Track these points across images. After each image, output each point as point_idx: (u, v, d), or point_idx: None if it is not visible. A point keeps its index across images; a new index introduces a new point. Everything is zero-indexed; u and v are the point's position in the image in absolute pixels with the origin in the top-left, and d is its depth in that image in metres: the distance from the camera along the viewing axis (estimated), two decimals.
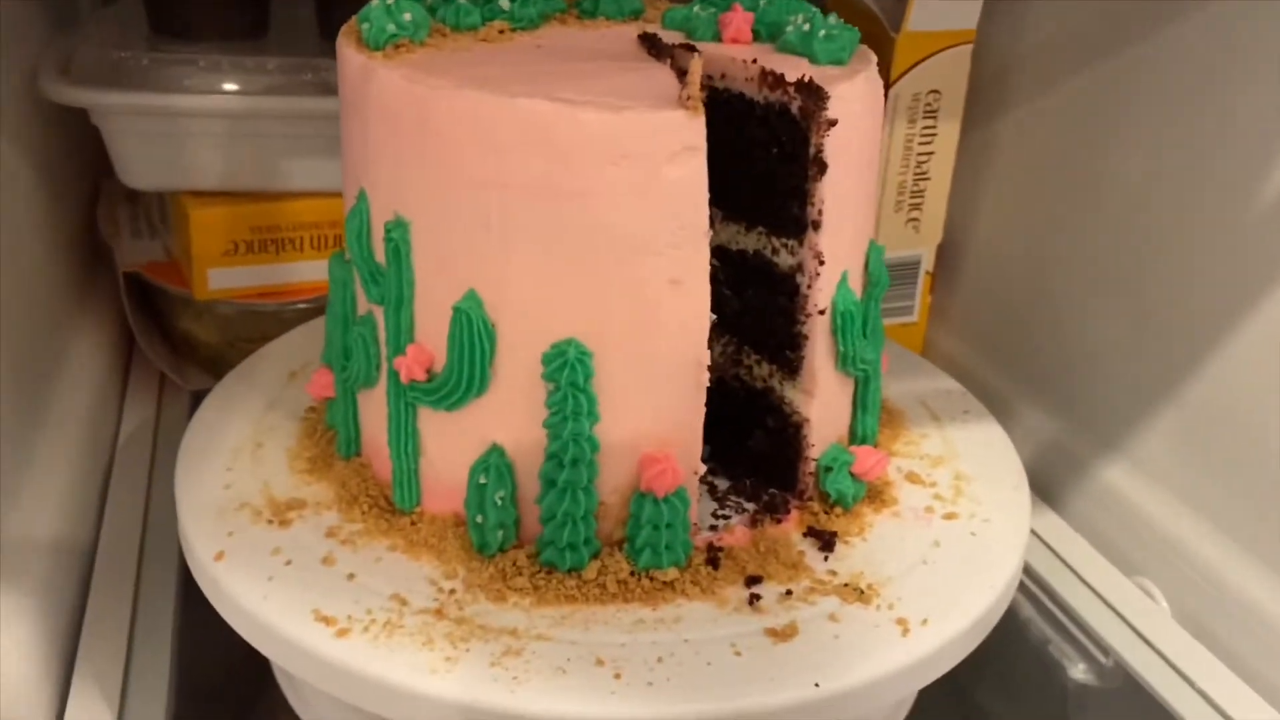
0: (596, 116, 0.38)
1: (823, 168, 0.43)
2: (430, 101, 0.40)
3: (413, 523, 0.46)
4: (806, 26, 0.45)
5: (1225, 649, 0.56)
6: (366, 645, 0.40)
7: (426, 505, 0.46)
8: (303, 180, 0.67)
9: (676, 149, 0.39)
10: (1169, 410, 0.62)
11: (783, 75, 0.43)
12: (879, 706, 0.45)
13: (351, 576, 0.43)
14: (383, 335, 0.45)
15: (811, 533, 0.47)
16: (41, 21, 0.72)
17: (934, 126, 0.70)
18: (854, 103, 0.43)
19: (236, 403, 0.54)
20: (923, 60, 0.68)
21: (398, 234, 0.42)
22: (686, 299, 0.41)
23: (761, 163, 0.45)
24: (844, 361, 0.47)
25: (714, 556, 0.45)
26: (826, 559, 0.46)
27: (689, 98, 0.38)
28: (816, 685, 0.39)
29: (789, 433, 0.48)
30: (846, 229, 0.45)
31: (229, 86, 0.64)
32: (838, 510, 0.48)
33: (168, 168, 0.65)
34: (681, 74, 0.42)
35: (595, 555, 0.43)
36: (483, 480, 0.43)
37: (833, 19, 0.46)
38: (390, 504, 0.46)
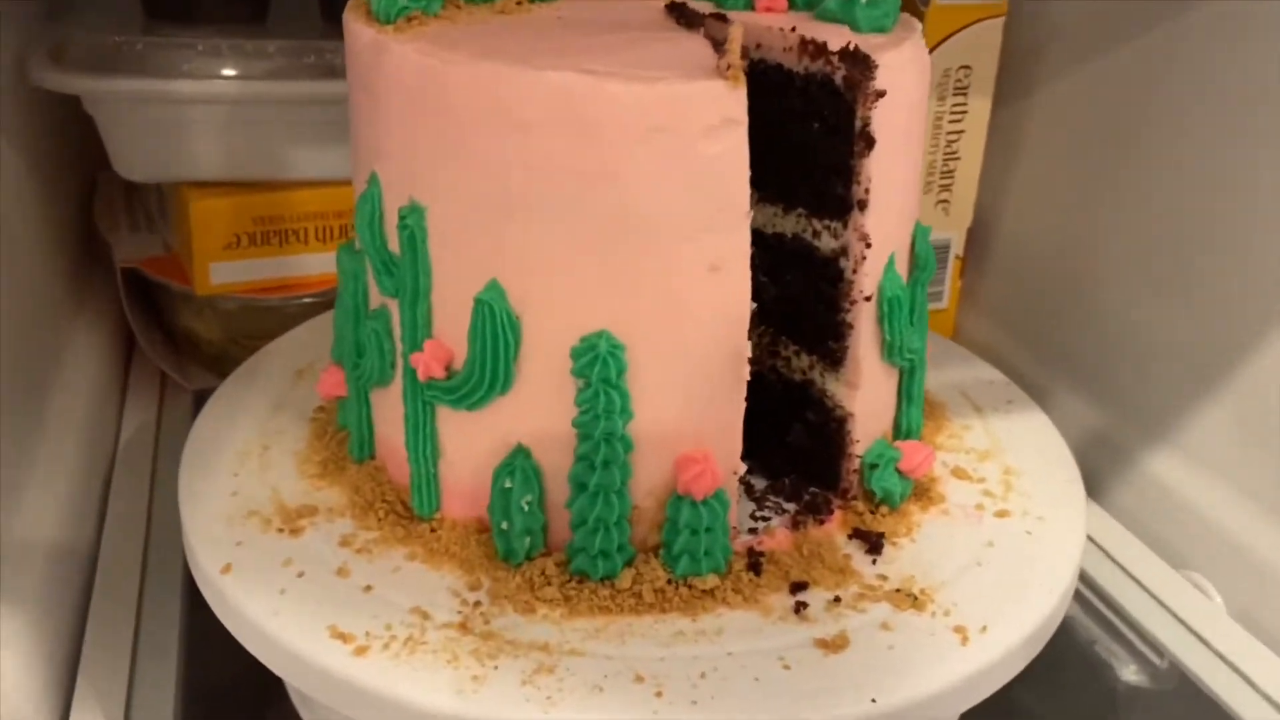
0: (627, 88, 0.35)
1: (870, 142, 0.40)
2: (447, 76, 0.37)
3: (432, 530, 0.43)
4: None
5: None
6: (387, 663, 0.37)
7: (446, 511, 0.43)
8: (307, 168, 0.64)
9: (715, 122, 0.36)
10: (1222, 396, 0.59)
11: (825, 44, 0.40)
12: None
13: (368, 589, 0.40)
14: (398, 330, 0.42)
15: (857, 534, 0.44)
16: (28, 7, 0.69)
17: (964, 104, 0.67)
18: (902, 72, 0.40)
19: (241, 404, 0.51)
20: (953, 34, 0.65)
21: (413, 220, 0.39)
22: (726, 286, 0.38)
23: (801, 139, 0.42)
24: (890, 351, 0.44)
25: (755, 562, 0.42)
26: (874, 562, 0.43)
27: (729, 66, 0.35)
28: (874, 701, 0.36)
29: (831, 428, 0.45)
30: (894, 209, 0.42)
31: (229, 71, 0.61)
32: (884, 509, 0.45)
33: (166, 158, 0.62)
34: (716, 44, 0.39)
35: (629, 562, 0.41)
36: (508, 484, 0.40)
37: None
38: (408, 510, 0.44)
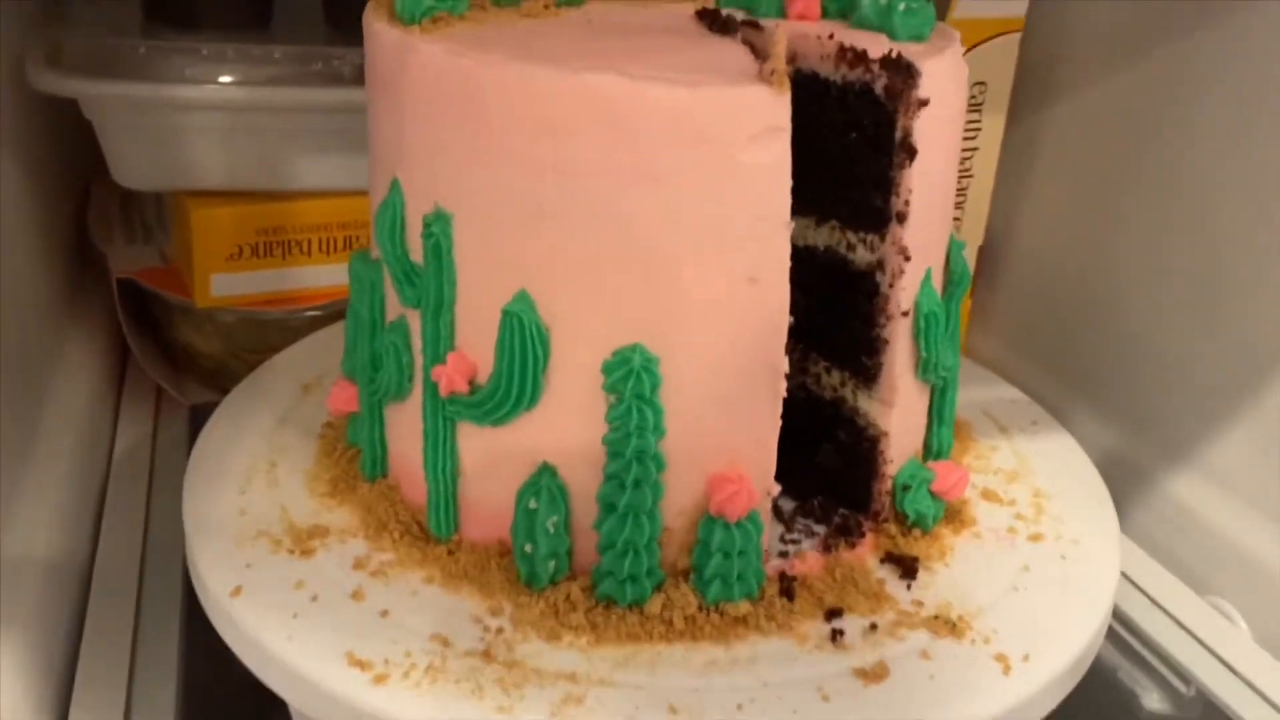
0: (669, 92, 0.34)
1: (911, 153, 0.39)
2: (479, 77, 0.35)
3: (450, 552, 0.41)
4: (884, 0, 0.41)
5: None
6: (408, 693, 0.35)
7: (465, 532, 0.41)
8: (312, 179, 0.62)
9: (757, 130, 0.35)
10: (1243, 417, 0.58)
11: (865, 51, 0.39)
12: None
13: (385, 613, 0.39)
14: (417, 342, 0.40)
15: (890, 558, 0.43)
16: (24, 8, 0.67)
17: (978, 120, 0.66)
18: (944, 81, 0.39)
19: (246, 419, 0.50)
20: (969, 50, 0.64)
21: (438, 228, 0.38)
22: (764, 298, 0.37)
23: (837, 149, 0.41)
24: (925, 368, 0.42)
25: (788, 587, 0.40)
26: (909, 587, 0.41)
27: (773, 72, 0.34)
28: None
29: (864, 447, 0.44)
30: (932, 222, 0.41)
31: (233, 76, 0.59)
32: (915, 532, 0.44)
33: (166, 165, 0.60)
34: (754, 49, 0.37)
35: (658, 587, 0.39)
36: (532, 504, 0.39)
37: None
38: (424, 531, 0.42)
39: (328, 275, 0.64)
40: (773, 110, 0.35)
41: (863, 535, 0.43)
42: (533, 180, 0.36)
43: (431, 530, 0.42)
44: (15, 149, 0.60)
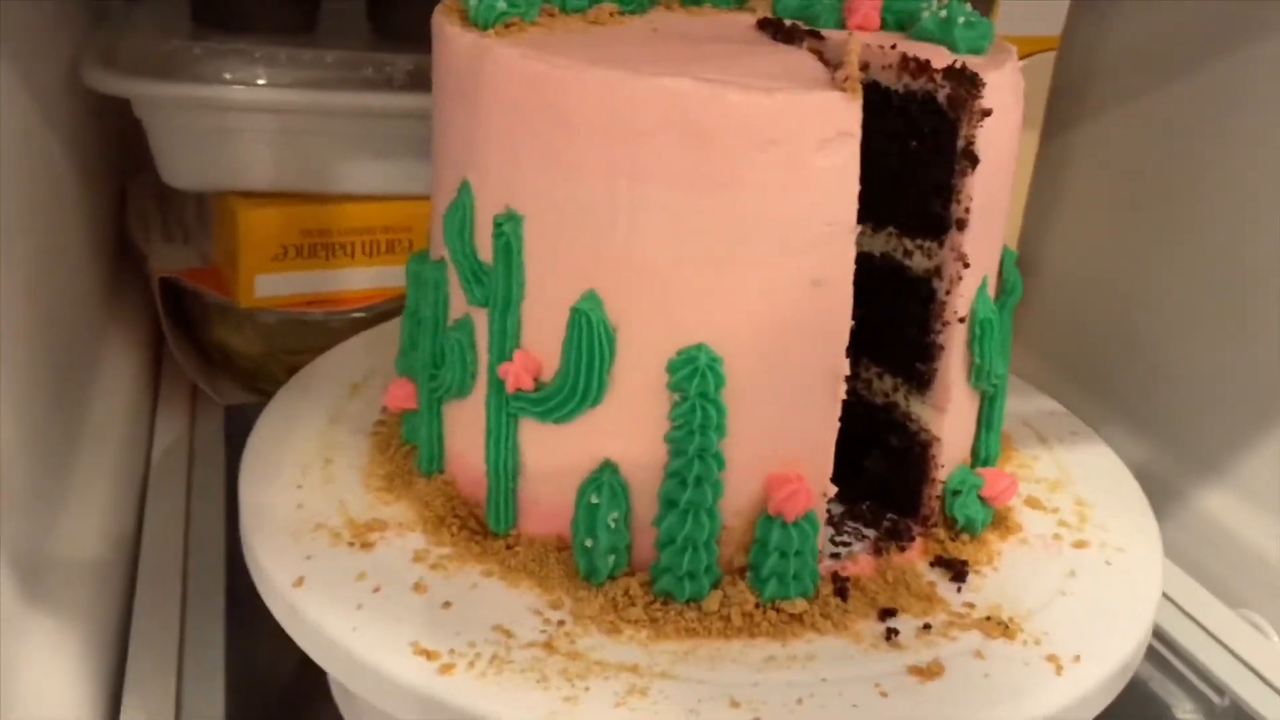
0: (746, 98, 0.35)
1: (974, 161, 0.39)
2: (556, 81, 0.36)
3: (508, 546, 0.42)
4: (944, 13, 0.42)
5: None
6: (474, 683, 0.36)
7: (523, 527, 0.42)
8: (357, 182, 0.63)
9: (829, 135, 0.35)
10: (1276, 433, 0.58)
11: (928, 61, 0.40)
12: None
13: (447, 605, 0.39)
14: (482, 341, 0.41)
15: (940, 561, 0.43)
16: (74, 14, 0.68)
17: None
18: (1004, 93, 0.40)
19: (296, 418, 0.50)
20: None
21: (509, 228, 0.38)
22: (828, 302, 0.38)
23: (897, 157, 0.42)
24: (978, 375, 0.43)
25: (841, 587, 0.41)
26: (959, 590, 0.42)
27: (846, 78, 0.35)
28: None
29: (915, 452, 0.44)
30: (990, 230, 0.41)
31: (284, 79, 0.60)
32: (964, 537, 0.44)
33: (215, 166, 0.61)
34: (822, 57, 0.38)
35: (716, 584, 0.40)
36: (594, 500, 0.39)
37: (967, 6, 0.43)
38: (481, 525, 0.43)
39: (369, 278, 0.64)
40: (844, 116, 0.35)
41: (913, 539, 0.44)
42: (606, 183, 0.36)
43: (490, 525, 0.42)
44: (69, 149, 0.61)
